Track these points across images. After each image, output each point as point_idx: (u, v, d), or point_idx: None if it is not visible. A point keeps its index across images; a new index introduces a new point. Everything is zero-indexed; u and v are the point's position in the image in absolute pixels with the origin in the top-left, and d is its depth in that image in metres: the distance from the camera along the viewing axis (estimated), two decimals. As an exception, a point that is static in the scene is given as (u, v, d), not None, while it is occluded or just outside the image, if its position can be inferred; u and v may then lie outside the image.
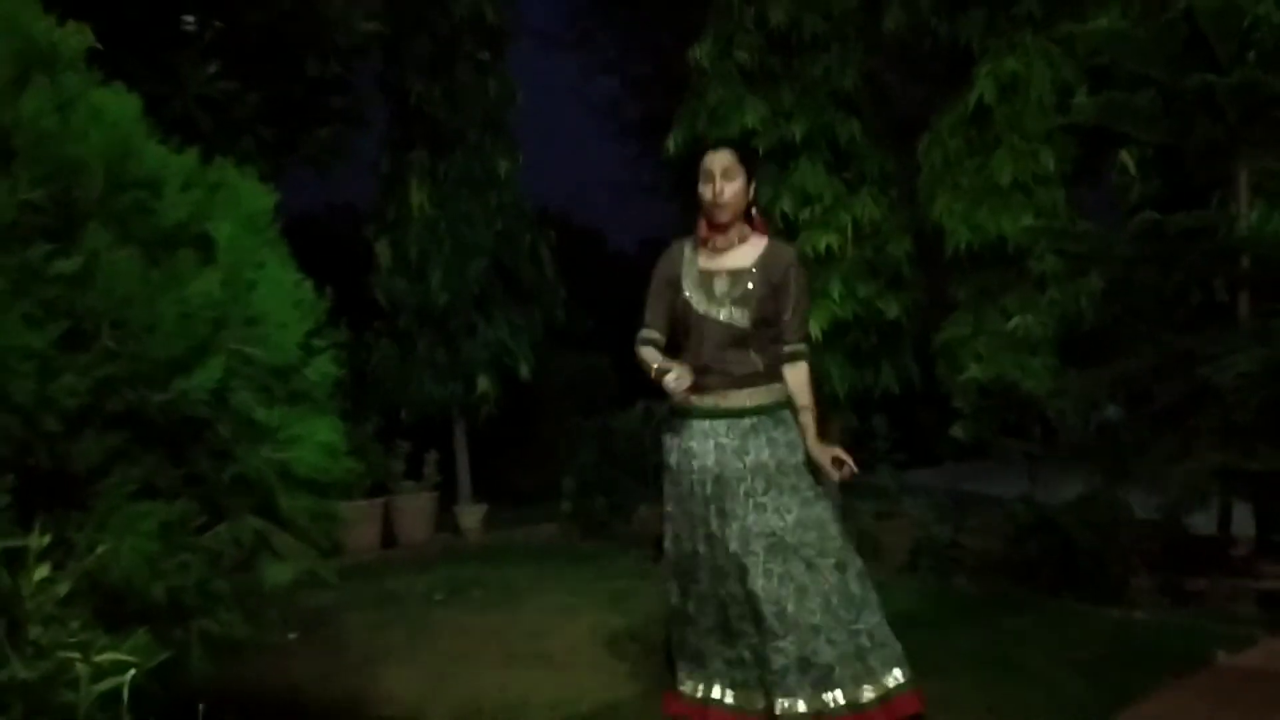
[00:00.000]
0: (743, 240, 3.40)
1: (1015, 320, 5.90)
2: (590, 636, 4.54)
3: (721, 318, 3.35)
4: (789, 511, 3.22)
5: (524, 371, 7.63)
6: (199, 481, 2.00)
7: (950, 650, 4.12)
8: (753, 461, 3.26)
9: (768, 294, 3.33)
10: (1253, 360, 4.04)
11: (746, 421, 3.31)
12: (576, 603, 5.15)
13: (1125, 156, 5.28)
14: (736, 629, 3.28)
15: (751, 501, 3.24)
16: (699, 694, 3.41)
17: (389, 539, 6.98)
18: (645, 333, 3.50)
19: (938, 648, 4.16)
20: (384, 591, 5.60)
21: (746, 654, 3.28)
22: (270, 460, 2.02)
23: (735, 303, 3.35)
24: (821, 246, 6.61)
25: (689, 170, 7.24)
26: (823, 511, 3.28)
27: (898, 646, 3.27)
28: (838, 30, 6.82)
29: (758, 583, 3.18)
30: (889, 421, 7.01)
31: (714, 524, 3.28)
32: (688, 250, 3.48)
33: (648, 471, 7.29)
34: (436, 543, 7.10)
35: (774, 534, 3.21)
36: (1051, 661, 3.93)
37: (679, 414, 3.42)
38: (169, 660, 2.01)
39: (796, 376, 3.37)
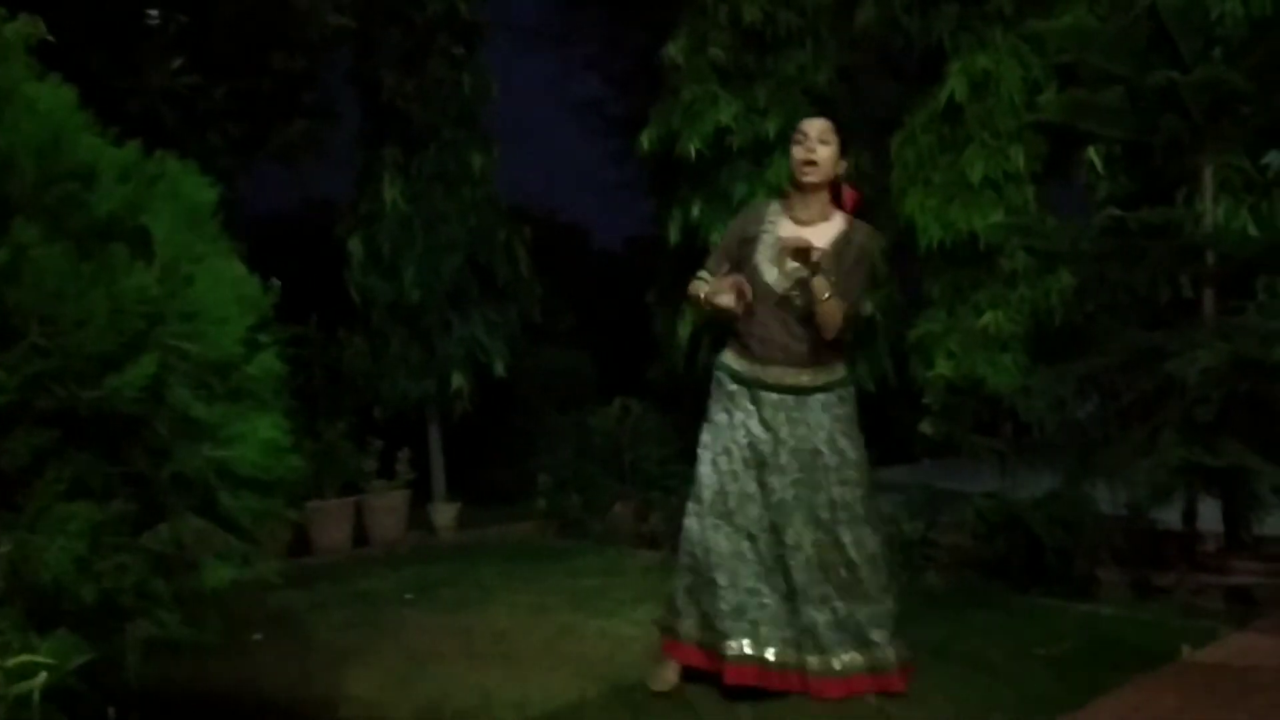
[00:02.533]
0: (826, 218, 3.44)
1: (986, 317, 5.90)
2: (560, 635, 4.51)
3: (789, 293, 3.39)
4: (847, 484, 3.42)
5: (499, 369, 7.59)
6: (137, 481, 1.97)
7: (919, 646, 4.08)
8: (824, 437, 3.40)
9: (836, 279, 3.34)
10: (1216, 356, 4.05)
11: (814, 398, 3.41)
12: (548, 601, 5.13)
13: (1093, 154, 5.29)
14: (774, 586, 3.46)
15: (816, 474, 3.40)
16: (697, 637, 3.54)
17: (360, 538, 6.92)
18: (702, 274, 3.55)
19: (907, 643, 4.15)
20: (353, 591, 5.56)
21: (787, 613, 3.45)
22: (210, 458, 1.99)
23: (801, 283, 3.37)
24: (795, 243, 6.59)
25: (663, 168, 7.26)
26: (859, 495, 3.46)
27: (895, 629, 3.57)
28: (811, 27, 6.81)
29: (805, 547, 3.41)
30: (864, 419, 6.99)
31: (755, 487, 3.44)
32: (773, 212, 3.52)
33: (624, 469, 7.27)
34: (409, 541, 7.05)
35: (831, 505, 3.40)
36: (1018, 656, 3.93)
37: (735, 377, 3.50)
38: (110, 661, 1.98)
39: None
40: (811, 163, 3.36)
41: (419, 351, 7.38)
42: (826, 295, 3.29)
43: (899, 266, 6.97)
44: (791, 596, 3.45)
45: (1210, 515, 5.04)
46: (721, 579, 3.47)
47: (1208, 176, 4.66)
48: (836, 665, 3.42)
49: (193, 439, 1.98)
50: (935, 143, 6.13)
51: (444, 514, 7.42)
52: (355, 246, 7.32)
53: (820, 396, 3.41)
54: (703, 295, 3.44)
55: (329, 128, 6.79)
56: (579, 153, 18.73)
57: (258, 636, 4.66)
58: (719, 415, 3.53)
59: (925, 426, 5.83)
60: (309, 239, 8.33)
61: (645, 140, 7.04)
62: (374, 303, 7.35)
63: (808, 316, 3.36)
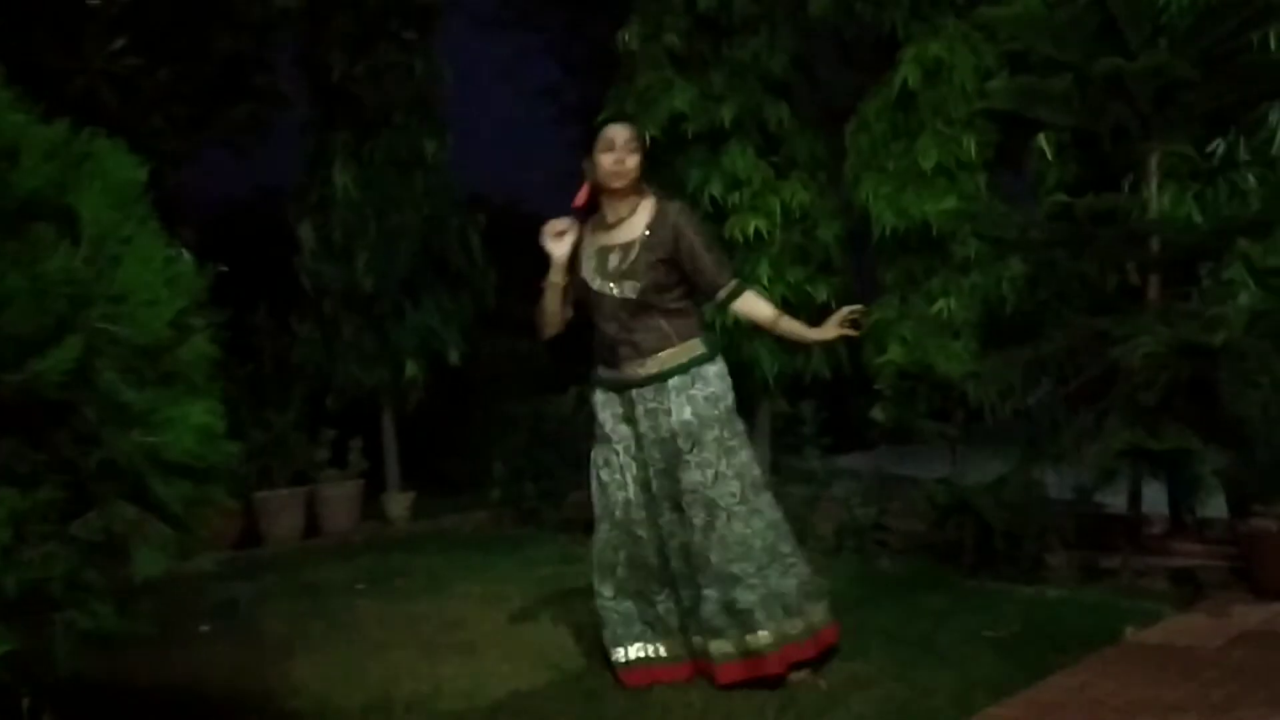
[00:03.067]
0: (632, 212, 3.52)
1: (939, 304, 5.95)
2: (513, 624, 4.49)
3: (615, 293, 3.49)
4: (709, 466, 3.41)
5: (454, 357, 7.53)
6: (65, 467, 1.92)
7: (869, 630, 4.14)
8: (676, 421, 3.42)
9: (661, 259, 3.46)
10: (1159, 341, 4.10)
11: (669, 384, 3.45)
12: (502, 590, 5.10)
13: (1043, 141, 5.33)
14: (663, 580, 3.56)
15: (679, 459, 3.42)
16: (642, 656, 3.62)
17: (312, 528, 6.85)
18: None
19: (858, 628, 4.17)
20: (303, 582, 5.50)
21: (674, 604, 3.56)
22: (140, 444, 1.94)
23: (625, 276, 3.48)
24: (751, 231, 6.61)
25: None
26: (746, 459, 3.49)
27: (821, 582, 3.72)
28: (766, 14, 6.80)
29: (688, 535, 3.44)
30: (820, 406, 7.03)
31: (642, 484, 3.52)
32: (586, 230, 3.59)
33: (580, 457, 7.23)
34: (362, 532, 6.99)
35: (696, 489, 3.41)
36: (966, 639, 3.97)
37: (602, 386, 3.61)
38: (39, 653, 1.94)
39: (746, 306, 3.55)
40: (621, 173, 3.46)
41: (372, 339, 7.30)
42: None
43: (854, 253, 7.01)
44: (675, 586, 3.55)
45: (1156, 499, 5.11)
46: (614, 584, 3.62)
47: (1153, 164, 4.71)
48: (726, 649, 3.47)
49: (122, 424, 1.93)
50: (889, 130, 6.17)
51: (398, 504, 7.36)
52: (306, 233, 7.23)
53: (675, 380, 3.45)
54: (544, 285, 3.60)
55: (277, 111, 6.68)
56: (537, 140, 18.64)
57: (204, 628, 4.60)
58: (597, 428, 3.64)
59: (877, 412, 5.87)
60: (260, 225, 8.23)
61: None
62: (326, 290, 7.27)
63: (640, 307, 3.46)
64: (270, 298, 7.27)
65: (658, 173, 6.86)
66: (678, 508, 3.46)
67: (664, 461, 3.46)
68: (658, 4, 6.88)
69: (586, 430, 7.48)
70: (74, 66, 4.86)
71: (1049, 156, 5.37)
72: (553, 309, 3.65)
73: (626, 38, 6.94)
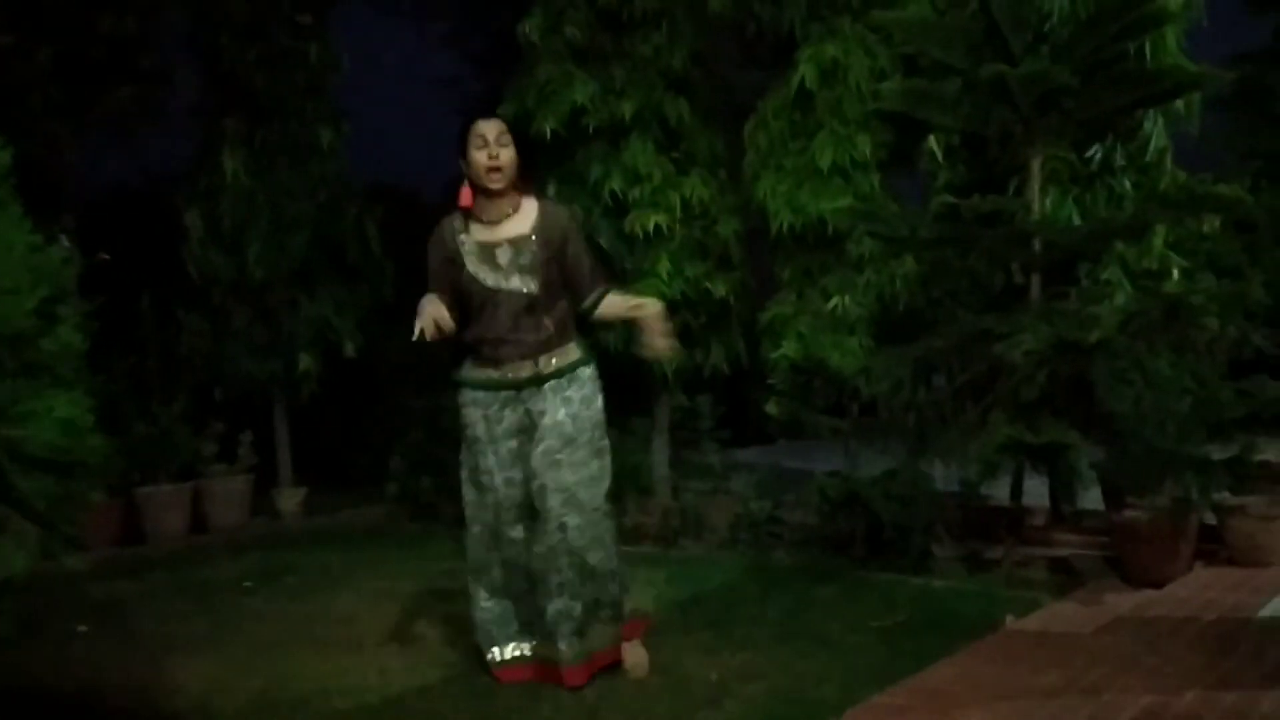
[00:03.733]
0: (515, 209, 3.48)
1: (834, 300, 6.05)
2: (405, 621, 4.44)
3: (512, 287, 3.44)
4: (583, 467, 3.44)
5: (350, 349, 7.41)
6: (-83, 461, 1.83)
7: (760, 622, 4.22)
8: (551, 422, 3.42)
9: (551, 257, 3.47)
10: (1039, 339, 4.24)
11: (545, 386, 3.45)
12: (395, 586, 5.04)
13: (933, 143, 5.46)
14: (535, 580, 3.50)
15: (549, 460, 3.41)
16: (517, 655, 3.62)
17: (199, 525, 6.67)
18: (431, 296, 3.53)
19: (748, 620, 4.25)
20: (189, 580, 5.36)
21: (547, 603, 3.48)
22: (1, 438, 1.86)
23: (523, 270, 3.45)
24: (651, 226, 6.61)
25: (518, 146, 7.16)
26: (606, 463, 3.54)
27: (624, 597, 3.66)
28: (667, 9, 6.80)
29: (556, 536, 3.41)
30: (719, 400, 7.10)
31: (515, 485, 3.49)
32: (457, 226, 3.53)
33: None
34: (251, 528, 6.83)
35: (570, 490, 3.42)
36: (854, 629, 4.06)
37: (473, 386, 3.54)
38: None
39: (609, 305, 3.61)
40: (497, 169, 3.39)
41: (263, 331, 7.14)
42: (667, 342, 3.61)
43: (752, 249, 7.08)
44: (534, 589, 3.52)
45: (1038, 491, 5.29)
46: (489, 586, 3.64)
47: (1036, 167, 4.86)
48: (581, 651, 3.48)
49: (-20, 417, 1.84)
50: (787, 128, 6.23)
51: (289, 499, 7.22)
52: (194, 221, 7.03)
53: (553, 382, 3.46)
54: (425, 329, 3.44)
55: (165, 95, 6.47)
56: (440, 131, 18.36)
57: (82, 628, 4.45)
58: (466, 430, 3.57)
59: (771, 407, 5.95)
60: (146, 213, 7.97)
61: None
62: (215, 280, 7.08)
63: (533, 305, 3.45)
64: (156, 287, 7.05)
65: (559, 166, 6.88)
66: (551, 508, 3.43)
67: (537, 462, 3.42)
68: (558, -4, 6.84)
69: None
70: (-57, 43, 4.64)
71: (939, 158, 5.50)
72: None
73: (527, 29, 6.88)
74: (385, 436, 7.50)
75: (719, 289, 6.75)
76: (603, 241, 6.47)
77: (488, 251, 3.47)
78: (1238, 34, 9.36)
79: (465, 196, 3.48)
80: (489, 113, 3.61)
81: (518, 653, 3.62)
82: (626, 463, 6.57)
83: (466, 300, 3.51)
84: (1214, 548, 4.90)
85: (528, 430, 3.47)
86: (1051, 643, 3.83)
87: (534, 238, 3.46)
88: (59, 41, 5.22)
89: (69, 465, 1.94)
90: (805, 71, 6.03)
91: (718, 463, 6.71)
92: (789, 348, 6.03)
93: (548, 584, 3.45)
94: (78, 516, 2.06)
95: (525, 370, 3.46)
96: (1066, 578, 4.77)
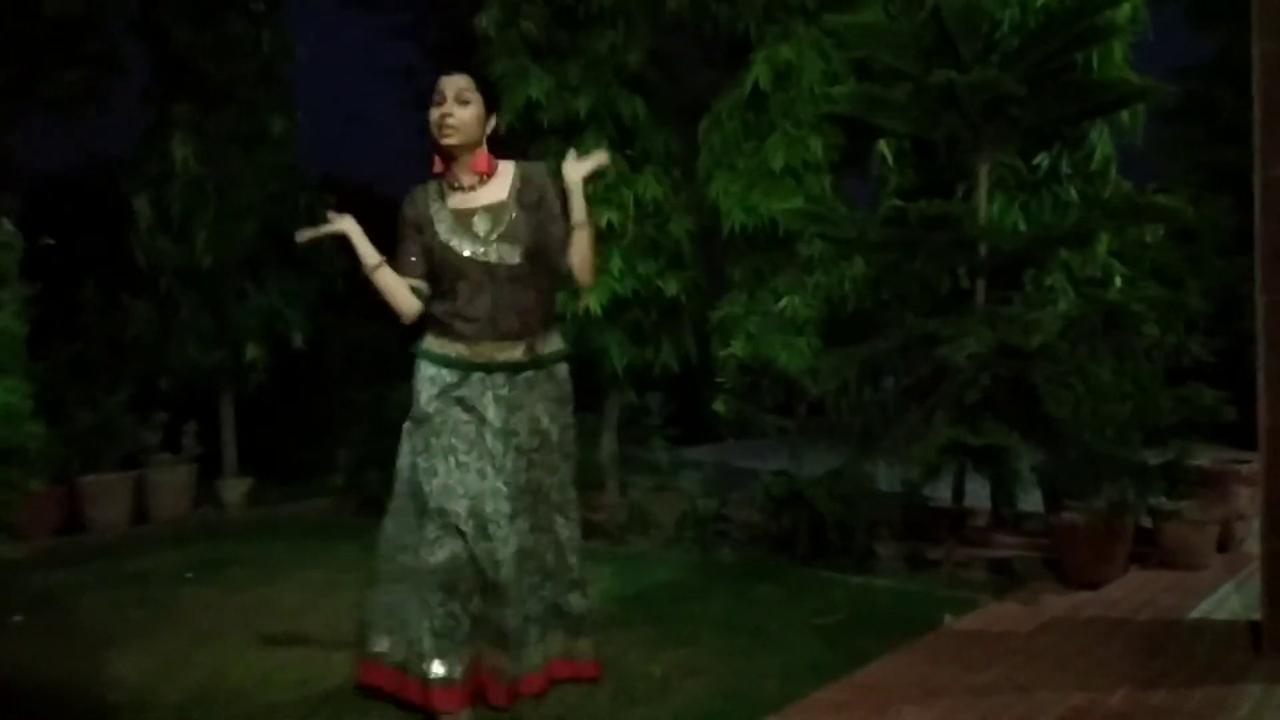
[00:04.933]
0: (491, 174, 3.19)
1: (784, 301, 6.10)
2: (350, 613, 4.38)
3: (491, 258, 3.14)
4: (554, 470, 3.28)
5: (298, 340, 7.34)
6: None
7: (702, 618, 4.25)
8: (528, 417, 3.20)
9: (533, 221, 3.16)
10: (982, 342, 4.31)
11: (522, 376, 3.20)
12: (341, 578, 5.00)
13: (884, 147, 5.53)
14: (473, 587, 3.15)
15: (525, 459, 3.20)
16: (398, 659, 3.23)
17: (141, 515, 6.58)
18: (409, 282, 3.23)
19: (691, 616, 4.28)
20: (129, 570, 5.28)
21: (495, 610, 3.16)
22: (-66, 424, 1.83)
23: (502, 239, 3.15)
24: (604, 223, 6.61)
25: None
26: (573, 468, 3.36)
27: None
28: (623, 7, 6.82)
29: (514, 540, 3.16)
30: (669, 398, 7.13)
31: (459, 477, 3.12)
32: (432, 192, 3.24)
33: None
34: (195, 519, 6.75)
35: (537, 491, 3.24)
36: (794, 627, 4.10)
37: (437, 361, 3.18)
38: None
39: (578, 237, 3.16)
40: (450, 125, 3.10)
41: (210, 320, 7.06)
42: (583, 217, 3.14)
43: (704, 249, 7.11)
44: (491, 595, 3.16)
45: (980, 493, 5.38)
46: (419, 593, 3.15)
47: (983, 174, 4.94)
48: (538, 659, 3.26)
49: (-87, 403, 1.81)
50: (740, 129, 6.27)
51: (234, 490, 7.14)
52: (142, 207, 6.93)
53: (529, 374, 3.21)
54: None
55: (112, 79, 6.35)
56: (394, 123, 18.23)
57: (17, 619, 4.39)
58: (421, 407, 3.17)
59: (719, 405, 6.00)
60: (92, 198, 7.83)
61: (455, 112, 6.91)
62: (162, 267, 6.98)
63: (516, 278, 3.15)
64: (101, 273, 6.94)
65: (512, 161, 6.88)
66: (519, 510, 3.18)
67: (508, 457, 3.15)
68: (515, -10, 6.82)
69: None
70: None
71: (889, 162, 5.57)
72: (393, 285, 3.20)
73: (484, 23, 6.86)
74: (332, 428, 7.44)
75: (670, 287, 6.77)
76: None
77: (464, 219, 3.17)
78: (1182, 48, 9.57)
79: (437, 163, 3.22)
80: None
81: (447, 671, 3.12)
82: (575, 458, 6.59)
83: (439, 272, 3.19)
84: (1149, 551, 5.02)
85: (499, 420, 3.15)
86: (988, 642, 3.90)
87: (512, 201, 3.16)
88: (2, 22, 5.11)
89: (6, 452, 1.91)
90: (759, 73, 6.08)
91: (666, 460, 6.75)
92: (738, 347, 6.08)
93: (500, 591, 3.14)
94: (15, 504, 2.03)
95: (501, 353, 3.17)
96: (1005, 578, 4.85)
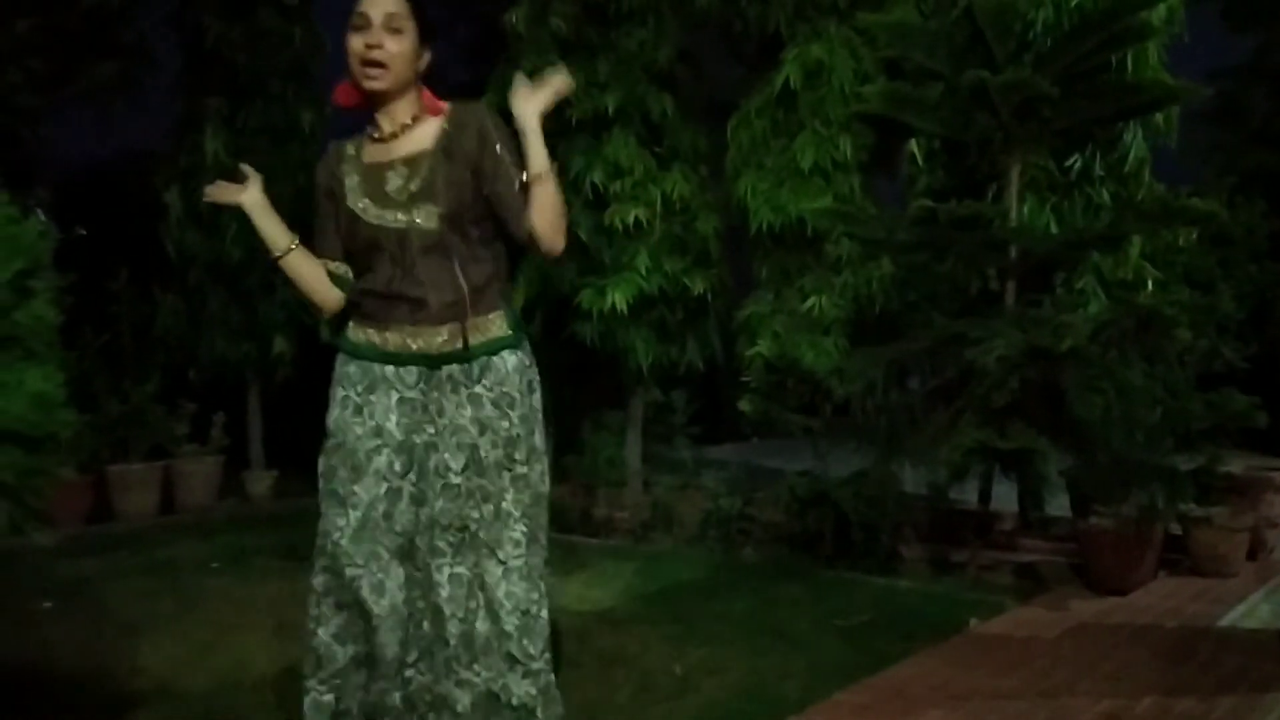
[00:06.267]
0: (417, 120, 2.48)
1: (811, 300, 6.09)
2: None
3: (400, 222, 2.42)
4: (488, 499, 2.41)
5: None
6: (-117, 431, 1.82)
7: (726, 617, 4.24)
8: (448, 424, 2.42)
9: (462, 176, 2.41)
10: (1011, 344, 4.28)
11: (444, 371, 2.43)
12: (363, 571, 5.01)
13: (914, 147, 5.50)
14: (403, 653, 2.44)
15: (441, 481, 2.41)
16: None
17: (168, 505, 6.63)
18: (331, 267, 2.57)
19: (714, 615, 4.28)
20: (156, 559, 5.32)
21: (414, 688, 2.45)
22: (-32, 410, 1.85)
23: (416, 198, 2.41)
24: (631, 219, 6.62)
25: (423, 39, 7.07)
26: (541, 494, 2.48)
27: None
28: (654, 5, 6.82)
29: (441, 592, 2.39)
30: (693, 397, 7.13)
31: (391, 509, 2.42)
32: (348, 149, 2.55)
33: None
34: (221, 510, 6.79)
35: (466, 526, 2.40)
36: (818, 628, 4.08)
37: (352, 354, 2.50)
38: None
39: (538, 192, 2.41)
40: (376, 63, 2.40)
41: (239, 313, 7.10)
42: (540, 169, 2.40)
43: (731, 247, 7.10)
44: (420, 663, 2.45)
45: (1006, 496, 5.34)
46: (351, 677, 2.49)
47: (1014, 175, 4.90)
48: None
49: (-52, 389, 1.83)
50: (769, 127, 6.27)
51: (260, 482, 7.18)
52: (173, 199, 6.98)
53: (454, 369, 2.43)
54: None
55: (145, 71, 6.40)
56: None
57: (47, 605, 4.42)
58: (333, 410, 2.50)
59: (744, 404, 5.98)
60: (125, 190, 7.89)
61: (484, 108, 6.94)
62: (192, 260, 7.04)
63: (432, 245, 2.42)
64: (132, 265, 7.00)
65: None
66: (434, 549, 2.41)
67: (425, 480, 2.42)
68: (546, -13, 6.83)
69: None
70: (-80, 10, 4.58)
71: (919, 162, 5.54)
72: (304, 273, 2.57)
73: (514, 19, 6.87)
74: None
75: (697, 285, 6.76)
76: (582, 234, 6.48)
77: (375, 176, 2.45)
78: (1217, 50, 9.46)
79: (341, 93, 2.54)
80: (477, 97, 2.79)
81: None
82: (599, 456, 6.60)
83: (350, 246, 2.51)
84: (1178, 557, 4.97)
85: (392, 432, 2.43)
86: (1014, 647, 3.87)
87: (437, 152, 2.43)
88: (39, 14, 5.16)
89: (39, 439, 1.93)
90: (790, 71, 6.07)
91: (690, 458, 6.74)
92: (764, 346, 6.07)
93: (429, 661, 2.43)
94: (46, 492, 2.05)
95: (417, 341, 2.43)
96: (1031, 583, 4.82)
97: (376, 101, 2.48)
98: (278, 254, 2.59)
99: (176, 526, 6.28)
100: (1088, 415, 4.49)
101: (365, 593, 2.41)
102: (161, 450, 6.62)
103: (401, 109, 2.48)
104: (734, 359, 6.74)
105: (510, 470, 2.42)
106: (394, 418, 2.42)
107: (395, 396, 2.43)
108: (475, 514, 2.40)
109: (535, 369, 2.54)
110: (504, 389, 2.44)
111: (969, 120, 4.85)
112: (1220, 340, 5.85)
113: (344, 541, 2.41)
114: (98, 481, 6.31)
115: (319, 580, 2.47)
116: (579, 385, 7.15)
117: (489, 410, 2.42)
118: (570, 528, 6.05)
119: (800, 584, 4.76)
